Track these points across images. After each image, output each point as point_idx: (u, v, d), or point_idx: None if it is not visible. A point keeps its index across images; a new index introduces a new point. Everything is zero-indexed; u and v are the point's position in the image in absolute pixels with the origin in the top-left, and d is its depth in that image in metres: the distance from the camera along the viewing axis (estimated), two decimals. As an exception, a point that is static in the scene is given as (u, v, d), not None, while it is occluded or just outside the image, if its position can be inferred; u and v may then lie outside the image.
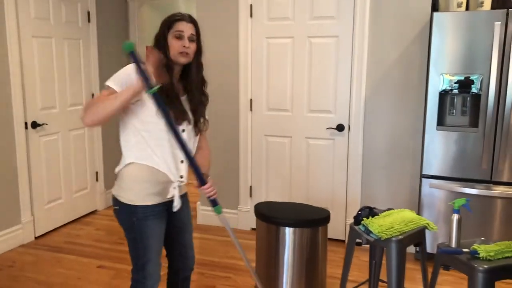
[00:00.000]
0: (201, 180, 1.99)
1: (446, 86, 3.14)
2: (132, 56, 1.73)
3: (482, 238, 2.18)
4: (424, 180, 3.28)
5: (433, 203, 3.26)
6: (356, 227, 2.31)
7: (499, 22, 2.93)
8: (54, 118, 3.91)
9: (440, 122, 3.20)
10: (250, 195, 3.98)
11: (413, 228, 2.29)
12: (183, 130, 1.96)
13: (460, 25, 3.05)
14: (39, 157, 3.78)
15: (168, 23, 1.91)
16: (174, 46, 1.88)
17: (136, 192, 1.91)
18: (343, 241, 3.69)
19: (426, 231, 2.38)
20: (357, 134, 3.58)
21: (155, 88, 1.73)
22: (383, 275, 2.47)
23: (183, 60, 1.90)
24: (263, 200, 3.86)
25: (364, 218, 2.31)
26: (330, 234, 3.49)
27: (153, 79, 1.75)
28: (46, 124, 3.81)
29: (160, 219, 1.97)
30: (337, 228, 3.71)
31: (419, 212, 3.31)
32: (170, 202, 1.98)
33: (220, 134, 3.96)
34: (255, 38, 3.76)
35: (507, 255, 1.95)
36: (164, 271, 2.13)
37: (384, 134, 3.55)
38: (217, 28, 3.84)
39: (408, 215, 2.36)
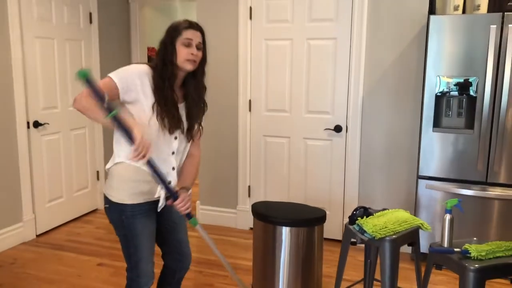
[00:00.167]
0: (173, 195, 1.98)
1: (443, 88, 3.18)
2: (88, 83, 1.75)
3: (475, 238, 2.22)
4: (420, 181, 3.32)
5: (430, 203, 3.30)
6: (351, 227, 2.35)
7: (495, 25, 2.97)
8: (55, 117, 3.96)
9: (436, 124, 3.23)
10: (249, 195, 4.03)
11: (407, 228, 2.32)
12: (176, 138, 2.00)
13: (456, 28, 3.09)
14: (40, 156, 3.83)
15: (177, 30, 1.93)
16: (182, 53, 1.91)
17: (124, 191, 1.94)
18: (340, 241, 3.71)
19: (422, 231, 2.42)
20: (354, 135, 3.62)
21: (114, 112, 1.75)
22: (378, 275, 2.51)
23: (189, 67, 1.93)
24: (261, 200, 3.90)
25: (358, 218, 2.35)
26: (328, 234, 3.54)
27: (112, 104, 1.78)
28: (48, 123, 3.86)
29: (148, 217, 2.00)
30: (335, 228, 3.75)
31: (415, 213, 3.35)
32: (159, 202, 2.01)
33: (220, 134, 4.00)
34: (254, 40, 3.81)
35: (498, 254, 1.98)
36: (157, 269, 2.15)
37: (382, 135, 3.59)
38: (217, 29, 3.89)
39: (402, 215, 2.40)
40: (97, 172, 4.53)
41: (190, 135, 2.06)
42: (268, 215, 2.75)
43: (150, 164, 1.85)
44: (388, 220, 2.32)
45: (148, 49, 5.98)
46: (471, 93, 3.10)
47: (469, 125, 3.16)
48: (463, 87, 3.12)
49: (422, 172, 3.30)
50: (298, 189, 3.85)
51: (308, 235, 2.71)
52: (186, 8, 6.82)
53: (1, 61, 3.44)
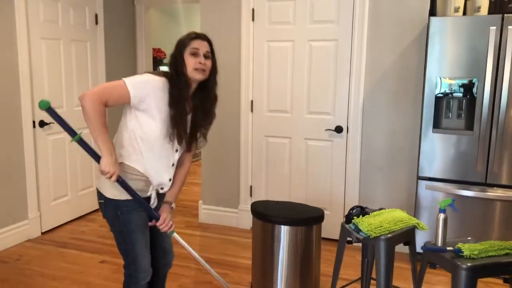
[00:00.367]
0: (154, 217, 2.07)
1: (443, 90, 3.20)
2: (50, 112, 1.87)
3: (469, 238, 2.24)
4: (420, 181, 3.34)
5: (430, 204, 3.31)
6: (347, 226, 2.38)
7: (494, 27, 2.98)
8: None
9: (436, 125, 3.25)
10: (251, 195, 4.06)
11: (402, 227, 2.35)
12: (177, 150, 2.06)
13: (456, 29, 3.11)
14: (46, 155, 3.90)
15: (184, 41, 1.98)
16: (190, 62, 1.95)
17: (119, 188, 1.97)
18: (341, 241, 3.75)
19: (422, 232, 2.44)
20: (355, 136, 3.65)
21: (77, 136, 1.89)
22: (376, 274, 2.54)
23: (198, 76, 1.97)
24: (263, 200, 3.93)
25: (354, 217, 2.38)
26: (328, 234, 3.57)
27: (73, 129, 1.90)
28: (53, 123, 3.93)
29: (142, 212, 2.05)
30: (335, 228, 3.75)
31: (415, 213, 3.36)
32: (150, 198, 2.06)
33: (222, 134, 4.04)
34: (256, 41, 3.85)
35: (491, 254, 2.00)
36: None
37: (382, 136, 3.61)
38: (220, 31, 3.94)
39: (398, 215, 2.43)
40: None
41: (190, 146, 2.10)
42: (267, 214, 2.78)
43: (121, 183, 1.94)
44: (384, 220, 2.34)
45: (154, 50, 6.06)
46: (470, 94, 3.11)
47: (469, 126, 3.17)
48: (460, 88, 3.14)
49: (422, 173, 3.32)
50: (299, 189, 3.89)
51: (306, 234, 2.74)
52: (191, 10, 6.90)
53: (8, 61, 3.52)
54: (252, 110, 3.95)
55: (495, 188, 3.14)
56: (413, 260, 2.46)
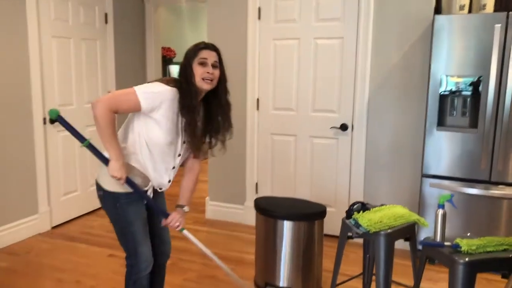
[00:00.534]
0: (163, 215, 2.19)
1: (447, 87, 3.20)
2: (61, 120, 2.00)
3: (468, 234, 2.25)
4: (424, 179, 3.34)
5: (434, 202, 3.31)
6: (347, 221, 2.41)
7: (499, 25, 2.98)
8: (71, 114, 4.10)
9: (441, 123, 3.26)
10: (256, 192, 4.11)
11: (402, 223, 2.37)
12: (179, 155, 2.13)
13: (461, 27, 3.11)
14: (56, 151, 3.99)
15: (193, 51, 2.03)
16: (198, 72, 2.00)
17: (118, 182, 2.02)
18: (345, 238, 3.77)
19: (425, 229, 2.44)
20: (360, 134, 3.67)
21: (86, 142, 2.01)
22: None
23: (206, 86, 2.02)
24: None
25: (355, 212, 2.41)
26: (332, 231, 3.59)
27: (82, 136, 2.03)
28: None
29: (141, 203, 2.11)
30: (339, 225, 3.78)
31: (419, 211, 3.37)
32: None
33: (228, 132, 4.09)
34: (262, 39, 3.89)
35: (489, 249, 2.01)
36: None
37: (387, 134, 3.62)
38: (226, 30, 3.99)
39: (399, 211, 2.44)
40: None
41: (198, 152, 2.16)
42: (270, 209, 2.83)
43: (129, 184, 2.02)
44: (384, 215, 2.36)
45: (163, 49, 6.13)
46: (474, 92, 3.12)
47: (473, 124, 3.17)
48: (465, 86, 3.15)
49: (427, 171, 3.33)
50: (304, 187, 3.92)
51: (309, 229, 2.78)
52: (199, 9, 6.96)
53: (19, 59, 3.60)
54: (258, 108, 3.99)
55: (499, 186, 3.13)
56: (413, 256, 2.48)
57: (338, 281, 2.61)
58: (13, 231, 3.65)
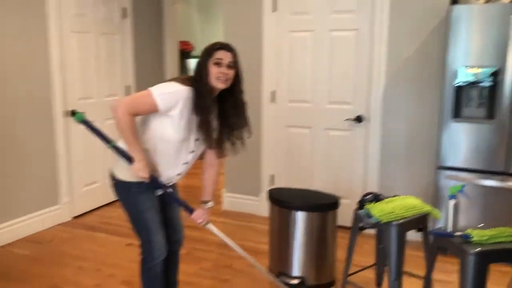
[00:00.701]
0: (188, 210, 2.27)
1: (463, 78, 3.16)
2: (86, 124, 2.12)
3: (482, 224, 2.24)
4: (440, 171, 3.32)
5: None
6: (359, 211, 2.43)
7: (517, 14, 2.93)
8: (91, 107, 4.21)
9: (457, 114, 3.22)
10: (272, 184, 4.14)
11: (415, 214, 2.37)
12: (192, 151, 2.18)
13: (478, 18, 3.07)
14: (77, 143, 4.10)
15: (209, 51, 2.08)
16: (213, 72, 2.05)
17: (130, 172, 2.08)
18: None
19: (440, 221, 2.43)
20: (375, 126, 3.66)
21: (111, 143, 2.11)
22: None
23: (220, 85, 2.06)
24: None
25: (367, 203, 2.42)
26: (347, 222, 3.57)
27: (107, 138, 2.13)
28: (84, 112, 4.11)
29: (152, 193, 2.18)
30: (355, 217, 3.80)
31: (435, 203, 3.35)
32: None
33: (244, 124, 4.13)
34: (278, 31, 3.90)
35: (500, 240, 2.01)
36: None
37: (402, 126, 3.61)
38: (242, 22, 4.02)
39: (411, 202, 2.45)
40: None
41: (216, 149, 2.22)
42: (283, 200, 2.86)
43: (154, 182, 2.11)
44: (396, 206, 2.37)
45: (181, 42, 6.19)
46: (490, 83, 3.07)
47: (490, 115, 3.13)
48: (481, 77, 3.10)
49: (442, 163, 3.30)
50: (319, 178, 3.93)
51: (322, 219, 2.80)
52: (214, 2, 6.99)
53: (40, 54, 3.71)
54: (273, 100, 4.01)
55: (516, 177, 3.09)
56: (426, 247, 2.48)
57: (350, 271, 2.63)
58: (36, 220, 3.78)
